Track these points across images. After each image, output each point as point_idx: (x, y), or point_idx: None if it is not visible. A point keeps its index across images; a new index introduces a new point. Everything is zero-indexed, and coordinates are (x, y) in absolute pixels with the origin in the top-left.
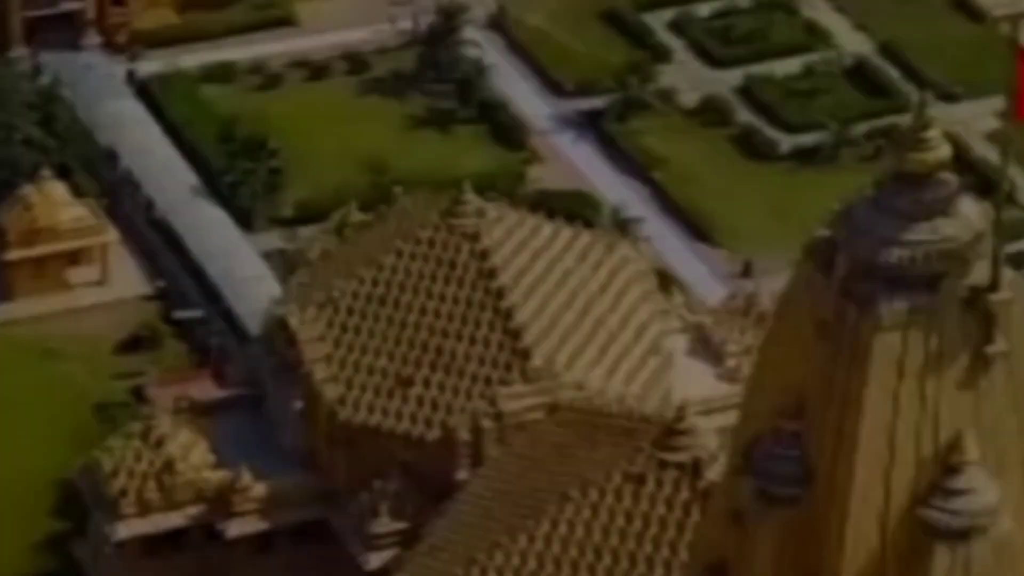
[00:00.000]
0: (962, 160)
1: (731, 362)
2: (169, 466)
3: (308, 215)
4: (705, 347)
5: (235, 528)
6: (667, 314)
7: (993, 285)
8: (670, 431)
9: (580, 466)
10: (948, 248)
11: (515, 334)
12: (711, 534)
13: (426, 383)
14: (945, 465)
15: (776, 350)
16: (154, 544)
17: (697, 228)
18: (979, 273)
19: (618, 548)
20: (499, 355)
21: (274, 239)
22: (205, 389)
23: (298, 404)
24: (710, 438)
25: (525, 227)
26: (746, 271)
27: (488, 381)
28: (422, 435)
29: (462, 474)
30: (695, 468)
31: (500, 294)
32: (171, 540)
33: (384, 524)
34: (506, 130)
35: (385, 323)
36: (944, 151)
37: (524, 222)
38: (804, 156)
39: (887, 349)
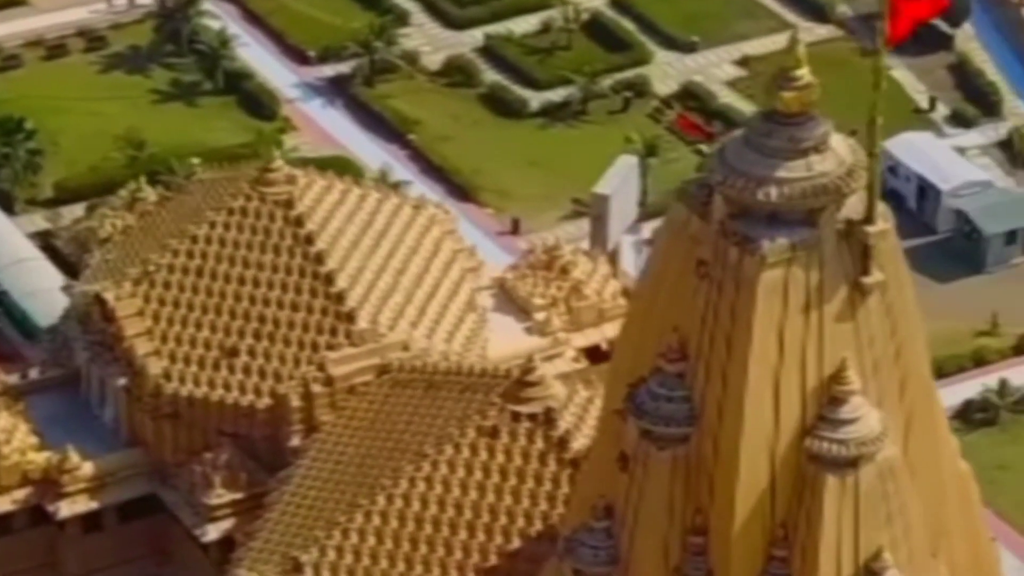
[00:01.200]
0: (706, 110)
1: (539, 315)
2: None
3: (67, 195)
4: (510, 302)
5: (66, 509)
6: (476, 271)
7: (868, 218)
8: (520, 383)
9: (431, 423)
10: (823, 184)
11: (338, 298)
12: (595, 478)
13: (251, 352)
14: (830, 396)
15: (652, 293)
16: None
17: (460, 188)
18: (854, 207)
19: (478, 502)
20: (323, 320)
21: (37, 221)
22: None
23: (121, 380)
24: (559, 388)
25: (335, 192)
26: (515, 228)
27: (315, 347)
28: (252, 404)
29: (295, 441)
30: (548, 418)
31: (319, 259)
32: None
33: (219, 495)
34: (255, 100)
35: (204, 294)
36: (815, 90)
37: (333, 187)
38: (554, 112)
39: (771, 285)
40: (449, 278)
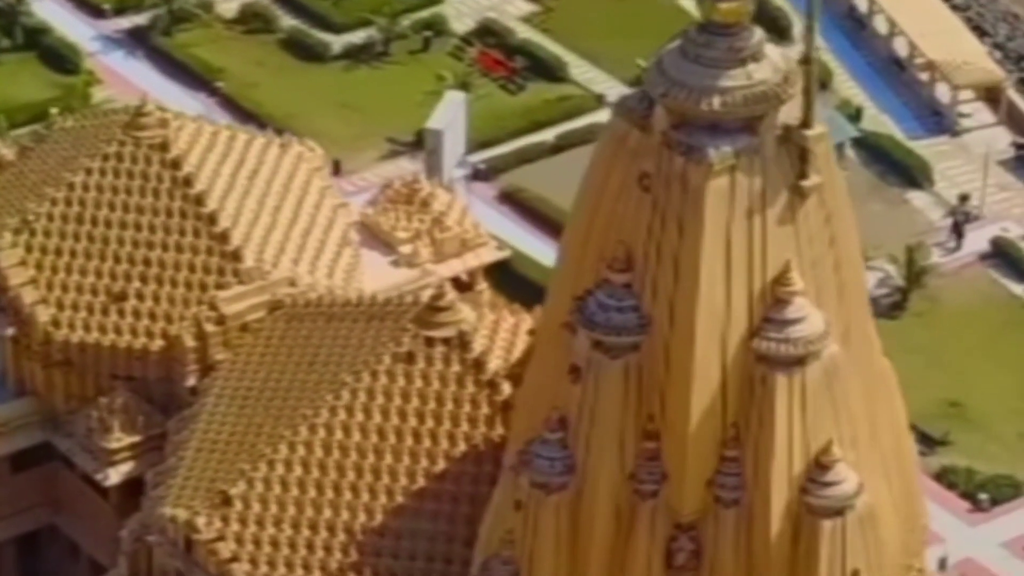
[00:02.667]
0: (505, 46)
1: (404, 248)
2: None
3: None
4: (373, 237)
5: None
6: (346, 207)
7: (806, 122)
8: (431, 308)
9: (341, 354)
10: (763, 91)
11: (222, 238)
12: (539, 392)
13: (140, 296)
14: (775, 297)
15: (591, 208)
16: None
17: (276, 133)
18: (789, 112)
19: (400, 427)
20: (209, 260)
21: None
22: None
23: (8, 331)
24: (468, 312)
25: (205, 133)
26: (336, 170)
27: (203, 287)
28: (144, 347)
29: (191, 381)
30: (462, 341)
31: (199, 201)
32: None
33: (117, 439)
34: (56, 55)
35: (87, 241)
36: (752, 1)
37: (203, 128)
38: (357, 54)
39: (718, 192)
40: (323, 214)
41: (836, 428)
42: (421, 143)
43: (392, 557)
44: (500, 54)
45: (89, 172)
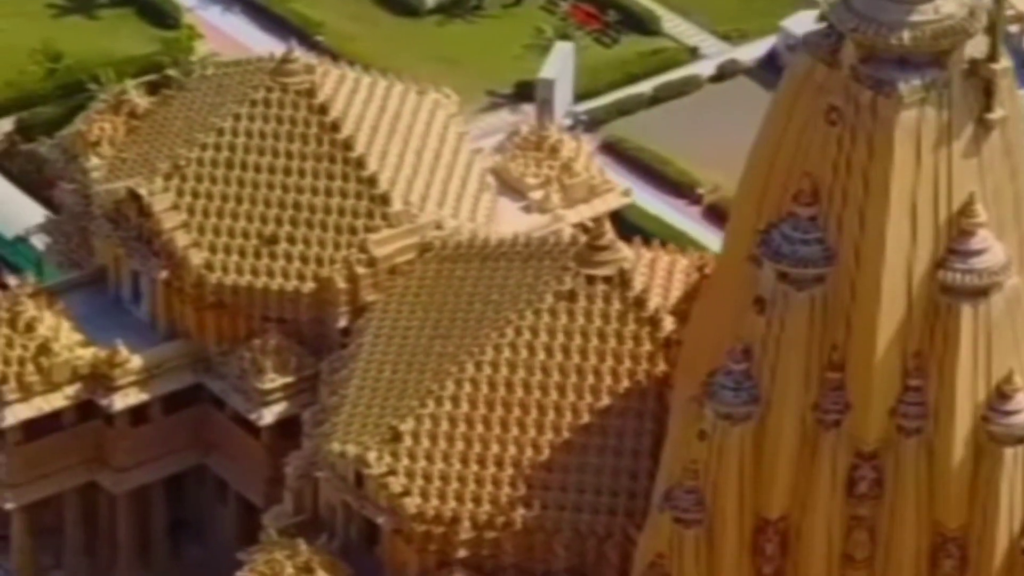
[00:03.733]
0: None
1: (535, 194)
2: (44, 349)
3: None
4: (503, 183)
5: (119, 402)
6: (481, 153)
7: (992, 56)
8: (591, 247)
9: (501, 293)
10: (951, 25)
11: (370, 182)
12: (723, 325)
13: (291, 239)
14: (959, 229)
15: (775, 143)
16: (31, 429)
17: None
18: (977, 46)
19: (564, 364)
20: (358, 204)
21: None
22: None
23: (162, 274)
24: (628, 250)
25: (348, 80)
26: None
27: (352, 230)
28: (296, 289)
29: (342, 322)
30: (622, 279)
31: (347, 145)
32: (47, 423)
33: (271, 379)
34: (154, 10)
35: (237, 185)
36: None
37: (345, 75)
38: (450, 8)
39: (907, 125)
40: (461, 160)
41: (1017, 358)
42: (521, 96)
43: (561, 490)
44: (592, 8)
45: (238, 118)
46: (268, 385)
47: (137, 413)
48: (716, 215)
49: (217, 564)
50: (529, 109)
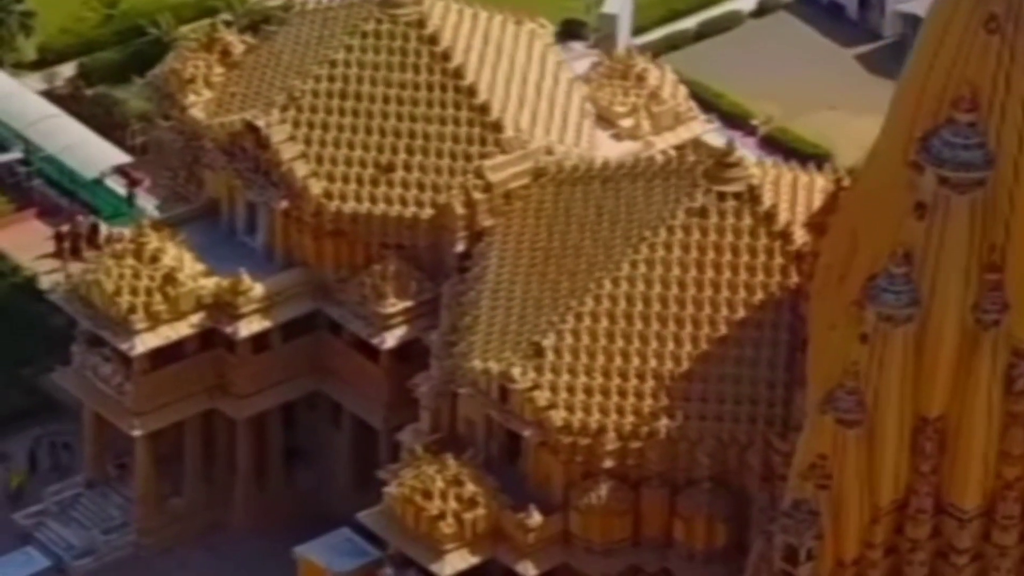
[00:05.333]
0: None
1: (625, 122)
2: (170, 278)
3: (52, 57)
4: (593, 111)
5: (244, 329)
6: (579, 81)
7: None
8: (720, 164)
9: (630, 211)
10: None
11: (482, 109)
12: (880, 229)
13: (407, 167)
14: None
15: (933, 52)
16: (156, 358)
17: None
18: None
19: (699, 278)
20: (472, 131)
21: (35, 82)
22: (33, 229)
23: (282, 203)
24: (755, 168)
25: (453, 11)
26: None
27: (467, 157)
28: (415, 215)
29: (460, 247)
30: (752, 195)
31: (458, 74)
32: (171, 352)
33: (392, 304)
34: None
35: (351, 116)
36: None
37: (450, 5)
38: None
39: None
40: (561, 88)
41: None
42: (568, 34)
43: (702, 401)
44: None
45: (350, 49)
46: (389, 310)
47: (258, 340)
48: (772, 145)
49: (329, 489)
50: (577, 47)
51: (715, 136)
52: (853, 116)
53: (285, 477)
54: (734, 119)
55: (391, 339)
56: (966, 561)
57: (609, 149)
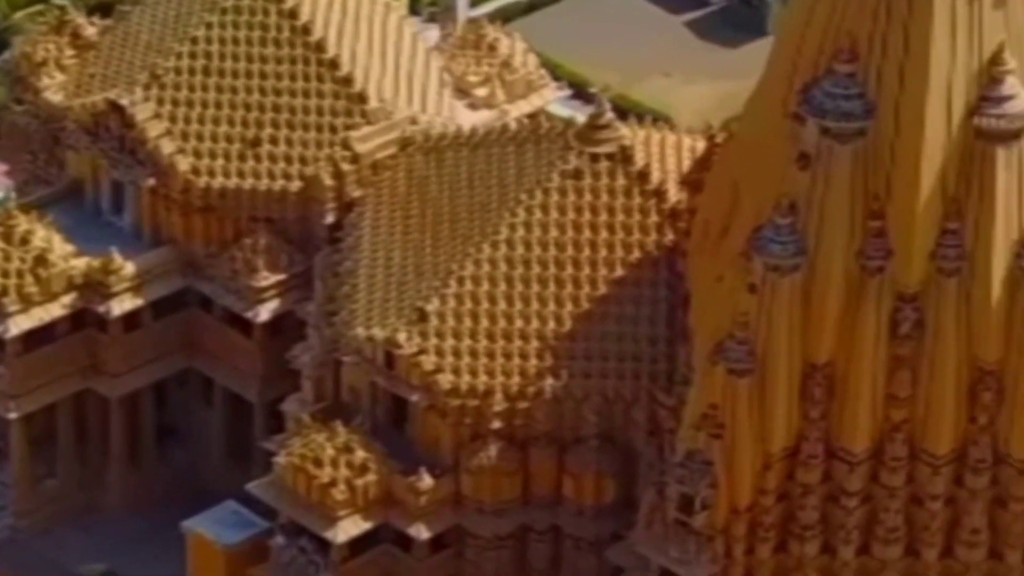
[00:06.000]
0: None
1: (480, 91)
2: (41, 260)
3: None
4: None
5: (116, 308)
6: (435, 52)
7: None
8: (591, 127)
9: (501, 176)
10: None
11: (346, 81)
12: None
13: (274, 140)
14: (989, 77)
15: (808, 5)
16: (29, 340)
17: None
18: None
19: (576, 238)
20: (336, 103)
21: None
22: None
23: (150, 181)
24: (626, 129)
25: None
26: None
27: (333, 128)
28: (284, 188)
29: (329, 219)
30: (624, 155)
31: (320, 48)
32: (44, 333)
33: (264, 277)
34: None
35: (215, 92)
36: None
37: None
38: None
39: None
40: (419, 59)
41: None
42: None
43: (585, 359)
44: None
45: (210, 26)
46: (262, 283)
47: (129, 319)
48: (612, 112)
49: (203, 465)
50: (415, 20)
51: (558, 106)
52: (687, 81)
53: (159, 455)
54: (573, 88)
55: (265, 312)
56: (856, 503)
57: (466, 118)
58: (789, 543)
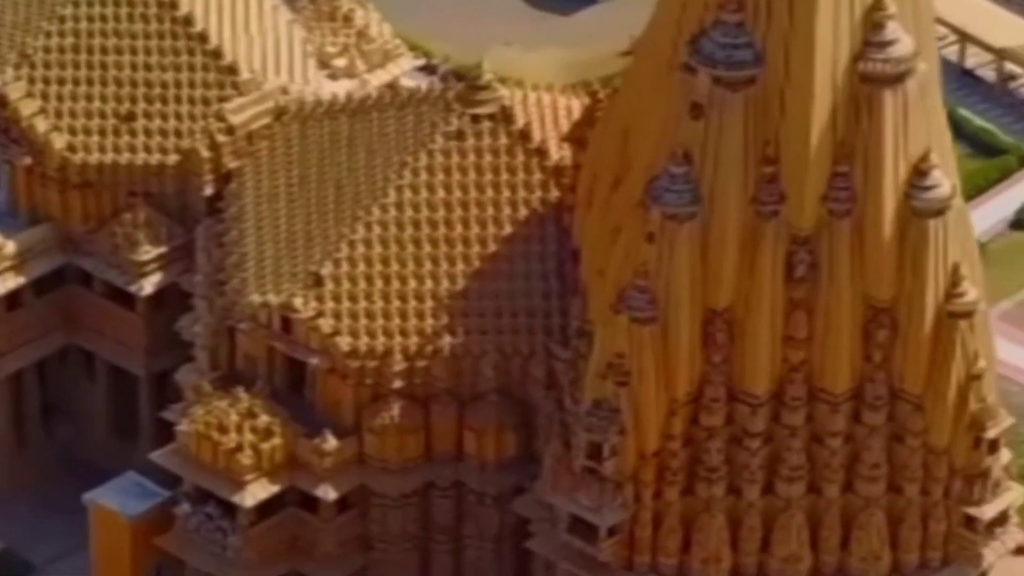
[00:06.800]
0: None
1: (338, 62)
2: None
3: None
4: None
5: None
6: (296, 23)
7: None
8: (471, 88)
9: (384, 141)
10: None
11: (216, 54)
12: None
13: (148, 115)
14: (872, 22)
15: None
16: None
17: None
18: None
19: (464, 198)
20: (208, 76)
21: None
22: None
23: (25, 160)
24: (505, 90)
25: None
26: None
27: (206, 101)
28: (161, 162)
29: (207, 191)
30: (505, 115)
31: (188, 22)
32: None
33: (146, 251)
34: None
35: (87, 69)
36: None
37: None
38: None
39: None
40: (282, 30)
41: (927, 139)
42: None
43: (480, 316)
44: None
45: (77, 4)
46: (144, 257)
47: (11, 299)
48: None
49: (88, 440)
50: None
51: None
52: (527, 50)
53: (44, 433)
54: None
55: (148, 285)
56: (759, 444)
57: (328, 88)
58: (696, 486)
